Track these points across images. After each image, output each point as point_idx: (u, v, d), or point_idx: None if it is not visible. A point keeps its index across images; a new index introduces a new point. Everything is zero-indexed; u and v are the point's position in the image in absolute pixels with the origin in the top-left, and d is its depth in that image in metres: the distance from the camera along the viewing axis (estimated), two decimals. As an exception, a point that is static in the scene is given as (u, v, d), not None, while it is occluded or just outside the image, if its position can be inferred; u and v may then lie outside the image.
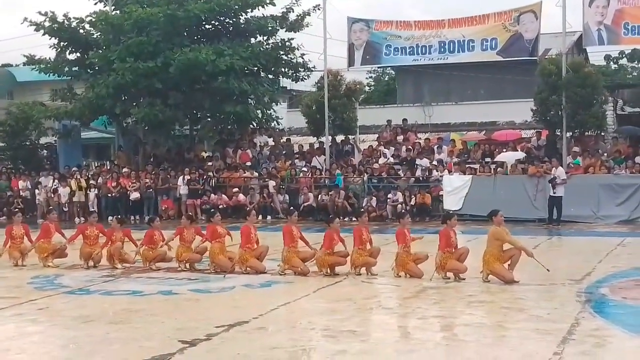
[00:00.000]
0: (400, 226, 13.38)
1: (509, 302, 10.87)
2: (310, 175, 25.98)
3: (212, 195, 25.80)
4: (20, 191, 27.65)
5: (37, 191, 26.99)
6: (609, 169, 22.91)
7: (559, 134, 24.76)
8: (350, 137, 28.63)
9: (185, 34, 27.58)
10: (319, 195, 24.76)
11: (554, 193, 21.72)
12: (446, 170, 24.35)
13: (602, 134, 26.27)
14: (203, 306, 11.12)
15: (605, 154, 24.10)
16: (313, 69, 29.78)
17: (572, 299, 10.96)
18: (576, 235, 19.88)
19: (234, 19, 28.74)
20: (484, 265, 12.33)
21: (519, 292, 11.60)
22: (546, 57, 28.26)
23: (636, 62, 51.14)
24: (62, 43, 29.14)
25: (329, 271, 13.23)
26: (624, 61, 51.72)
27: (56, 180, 26.82)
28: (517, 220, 21.85)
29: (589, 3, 23.53)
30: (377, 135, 30.86)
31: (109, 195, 26.49)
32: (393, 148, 27.23)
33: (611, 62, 51.55)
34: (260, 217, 24.90)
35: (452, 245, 12.76)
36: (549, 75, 24.39)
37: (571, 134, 24.73)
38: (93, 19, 28.30)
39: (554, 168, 22.03)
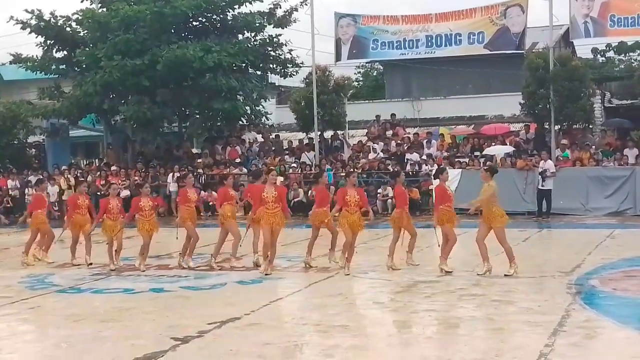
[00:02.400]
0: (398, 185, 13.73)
1: (499, 295, 10.92)
2: (299, 171, 25.97)
3: (202, 192, 25.71)
4: (9, 190, 27.53)
5: (27, 190, 26.83)
6: (598, 161, 23.01)
7: (547, 127, 24.85)
8: (339, 132, 28.63)
9: (172, 31, 27.51)
10: (309, 191, 24.74)
11: (543, 186, 21.80)
12: (435, 165, 24.36)
13: (590, 126, 26.36)
14: (195, 303, 11.11)
15: (594, 147, 24.20)
16: (301, 65, 29.76)
17: (563, 291, 11.02)
18: (566, 227, 19.97)
19: (222, 16, 28.70)
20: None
21: (510, 284, 11.64)
22: (533, 50, 28.32)
23: (623, 55, 51.26)
24: (49, 41, 29.06)
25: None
26: (611, 54, 51.82)
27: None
28: (507, 213, 21.86)
29: (575, -4, 23.60)
30: (366, 131, 30.87)
31: (98, 193, 26.39)
32: (382, 143, 27.25)
33: (598, 55, 51.63)
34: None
35: (450, 199, 12.91)
36: (537, 69, 24.47)
37: (559, 127, 24.82)
38: (80, 17, 28.23)
39: (542, 161, 22.12)
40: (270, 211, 12.84)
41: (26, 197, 26.82)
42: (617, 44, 45.41)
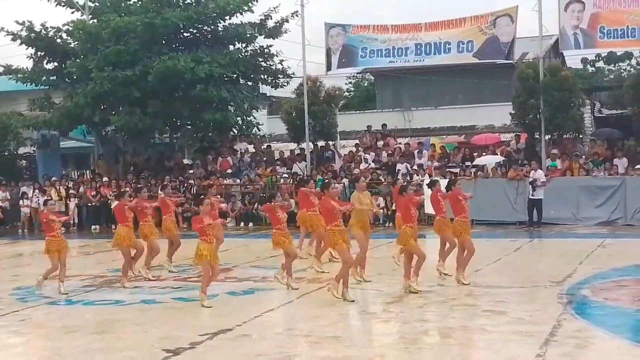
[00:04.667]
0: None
1: (491, 305, 10.94)
2: (291, 182, 25.97)
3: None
4: (0, 201, 27.45)
5: (21, 202, 26.74)
6: (588, 171, 23.10)
7: (537, 137, 24.93)
8: (330, 142, 28.67)
9: (163, 42, 27.51)
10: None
11: (533, 196, 21.86)
12: (427, 175, 24.42)
13: (580, 136, 26.46)
14: (186, 314, 11.09)
15: (584, 157, 24.29)
16: (292, 76, 29.84)
17: (554, 301, 11.05)
18: (557, 237, 20.02)
19: (212, 27, 28.75)
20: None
21: (501, 295, 11.67)
22: (523, 61, 28.45)
23: (613, 65, 51.54)
24: (39, 52, 29.05)
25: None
26: (600, 64, 52.08)
27: (36, 190, 26.66)
28: (498, 223, 22.02)
29: (564, 7, 23.70)
30: (357, 141, 30.90)
31: (90, 204, 26.40)
32: (373, 153, 27.29)
33: (588, 65, 51.90)
34: (242, 224, 24.92)
35: (465, 210, 12.82)
36: (527, 79, 24.57)
37: (550, 137, 24.91)
38: (70, 28, 28.21)
39: (533, 171, 22.19)
40: (338, 228, 11.66)
41: (21, 209, 26.75)
42: (606, 54, 45.59)
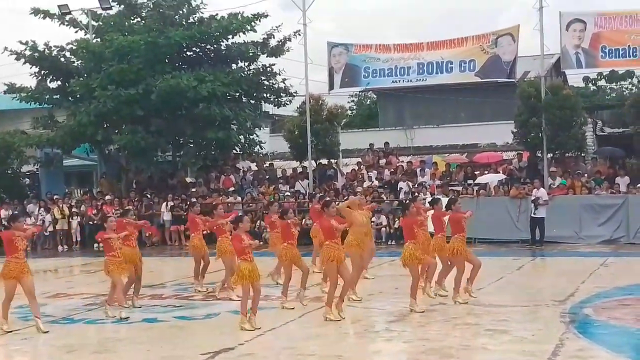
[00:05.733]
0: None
1: (493, 324, 10.92)
2: (294, 200, 25.99)
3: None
4: (3, 220, 27.43)
5: (27, 219, 26.70)
6: (590, 189, 23.09)
7: (539, 155, 24.96)
8: (333, 161, 28.70)
9: (166, 61, 27.64)
10: (303, 220, 24.73)
11: (535, 214, 21.85)
12: (428, 193, 24.42)
13: (582, 154, 26.49)
14: (188, 333, 11.08)
15: (586, 175, 24.29)
16: (295, 94, 29.92)
17: (556, 320, 11.03)
18: (559, 255, 19.99)
19: (215, 46, 28.88)
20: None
21: (504, 313, 11.65)
22: (525, 79, 28.53)
23: (614, 83, 51.69)
24: (42, 71, 29.16)
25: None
26: (602, 82, 52.25)
27: (42, 209, 26.68)
28: (501, 242, 22.00)
29: (566, 27, 23.80)
30: (359, 159, 30.93)
31: (92, 222, 26.40)
32: (376, 172, 27.32)
33: (590, 84, 52.06)
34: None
35: (464, 230, 12.85)
36: (529, 97, 24.63)
37: (552, 155, 24.93)
38: (74, 47, 28.36)
39: (535, 189, 22.19)
40: (336, 245, 11.75)
41: (25, 226, 26.69)
42: (608, 72, 45.80)
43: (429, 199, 23.84)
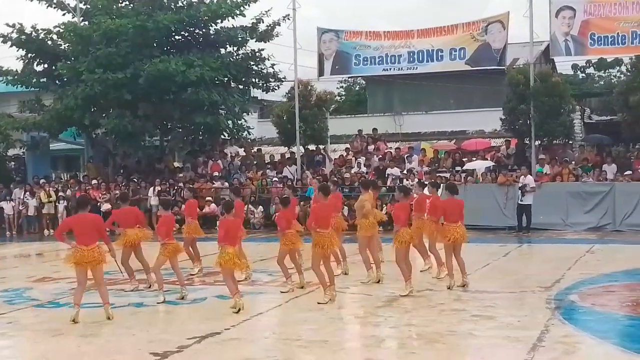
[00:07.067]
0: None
1: (479, 310, 10.96)
2: (281, 186, 25.93)
3: (183, 206, 25.60)
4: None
5: (5, 203, 26.60)
6: (577, 177, 23.18)
7: (527, 142, 25.01)
8: (321, 146, 28.68)
9: (154, 45, 27.48)
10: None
11: (522, 201, 21.92)
12: (416, 179, 24.42)
13: (570, 142, 26.56)
14: (175, 318, 11.07)
15: (573, 162, 24.37)
16: (284, 79, 29.80)
17: (542, 306, 11.08)
18: (546, 242, 20.06)
19: (204, 30, 28.74)
20: None
21: (490, 299, 11.69)
22: (514, 66, 28.53)
23: (603, 71, 51.81)
24: (29, 54, 28.93)
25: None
26: (590, 70, 52.38)
27: (27, 193, 26.55)
28: (488, 228, 22.06)
29: (555, 14, 23.79)
30: (347, 145, 30.91)
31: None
32: (364, 158, 27.31)
33: (578, 71, 52.19)
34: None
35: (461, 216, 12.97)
36: (517, 84, 24.65)
37: (540, 142, 24.98)
38: (61, 30, 28.10)
39: (522, 176, 22.24)
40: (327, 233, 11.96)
41: (4, 211, 26.60)
42: (596, 60, 45.87)
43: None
